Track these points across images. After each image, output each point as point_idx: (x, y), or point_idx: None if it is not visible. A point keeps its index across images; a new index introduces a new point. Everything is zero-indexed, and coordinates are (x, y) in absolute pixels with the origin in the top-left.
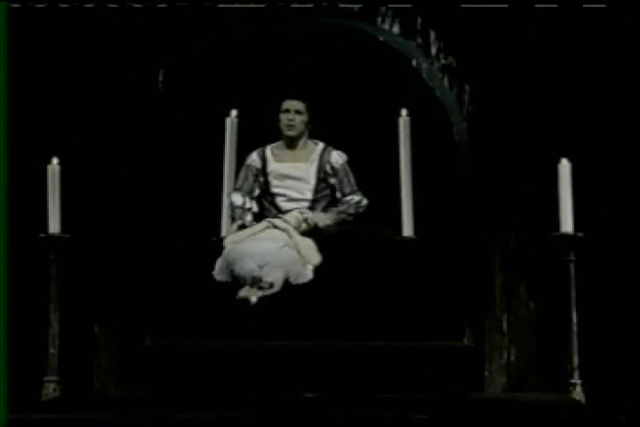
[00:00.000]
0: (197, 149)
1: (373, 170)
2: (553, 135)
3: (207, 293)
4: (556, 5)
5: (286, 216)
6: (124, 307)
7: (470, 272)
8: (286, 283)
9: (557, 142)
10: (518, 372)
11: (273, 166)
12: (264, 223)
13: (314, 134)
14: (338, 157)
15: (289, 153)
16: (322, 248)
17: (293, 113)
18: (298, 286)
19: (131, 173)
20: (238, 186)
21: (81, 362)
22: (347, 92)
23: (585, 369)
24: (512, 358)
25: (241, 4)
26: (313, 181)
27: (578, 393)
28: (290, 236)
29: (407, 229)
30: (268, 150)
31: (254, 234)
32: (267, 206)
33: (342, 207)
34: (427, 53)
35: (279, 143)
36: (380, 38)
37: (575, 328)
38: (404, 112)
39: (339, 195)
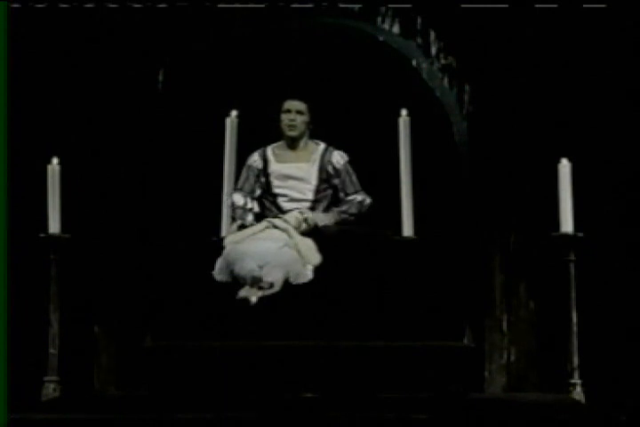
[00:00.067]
0: (197, 149)
1: (373, 170)
2: (553, 135)
3: (207, 293)
4: (555, 5)
5: (286, 216)
6: (124, 307)
7: (470, 272)
8: (286, 283)
9: (557, 142)
10: (518, 372)
11: (274, 167)
12: (264, 223)
13: (314, 134)
14: (339, 158)
15: (290, 153)
16: (322, 248)
17: (295, 113)
18: (298, 285)
19: (131, 173)
20: (239, 186)
21: (81, 362)
22: (347, 93)
23: (585, 369)
24: (512, 358)
25: (241, 4)
26: (314, 182)
27: (578, 393)
28: (290, 236)
29: (407, 229)
30: (270, 151)
31: (254, 234)
32: (268, 207)
33: (344, 207)
34: (427, 53)
35: (280, 143)
36: (380, 38)
37: (575, 328)
38: (404, 112)
39: (342, 195)
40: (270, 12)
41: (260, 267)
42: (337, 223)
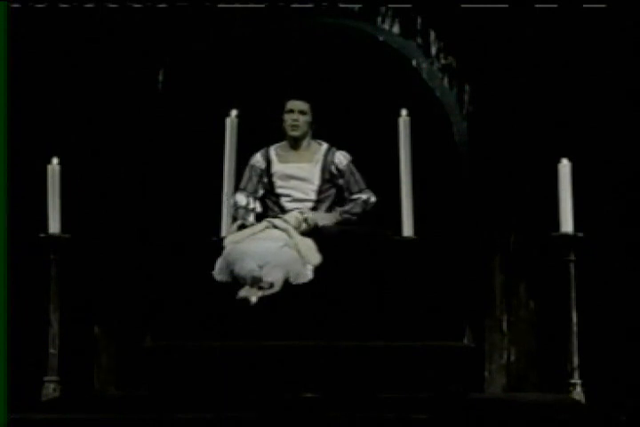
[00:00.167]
0: (197, 149)
1: (373, 170)
2: (553, 135)
3: (207, 293)
4: (555, 5)
5: (286, 216)
6: (124, 307)
7: (470, 272)
8: (286, 283)
9: (557, 142)
10: (518, 372)
11: (277, 167)
12: (264, 223)
13: (315, 134)
14: (342, 158)
15: (293, 154)
16: (322, 248)
17: (297, 113)
18: (298, 286)
19: (131, 173)
20: (242, 186)
21: (81, 362)
22: (347, 93)
23: (585, 369)
24: (512, 358)
25: (241, 4)
26: (317, 182)
27: (578, 393)
28: (290, 236)
29: (407, 229)
30: (272, 151)
31: (254, 234)
32: (271, 207)
33: (347, 207)
34: (427, 53)
35: (283, 144)
36: (380, 38)
37: (575, 328)
38: (404, 112)
39: (346, 194)
40: (270, 12)
41: (260, 267)
42: (338, 223)
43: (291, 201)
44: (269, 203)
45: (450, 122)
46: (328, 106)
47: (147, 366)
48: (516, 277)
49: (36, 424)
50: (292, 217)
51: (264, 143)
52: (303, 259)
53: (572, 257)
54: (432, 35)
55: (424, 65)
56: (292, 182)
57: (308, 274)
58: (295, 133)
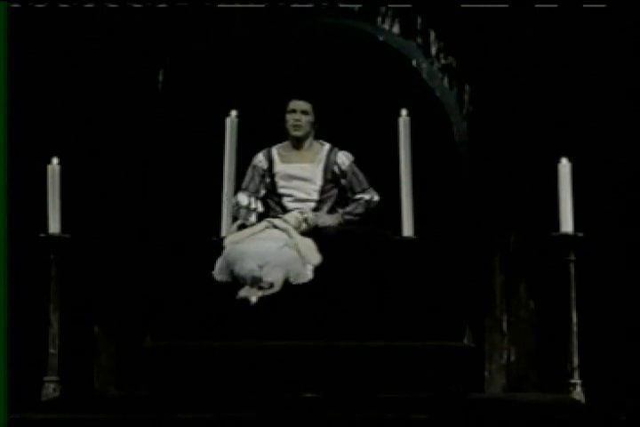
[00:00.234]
0: (197, 149)
1: (373, 170)
2: (553, 135)
3: (207, 293)
4: (555, 5)
5: (286, 216)
6: (124, 307)
7: (470, 272)
8: (286, 283)
9: (557, 142)
10: (518, 372)
11: (279, 167)
12: (264, 223)
13: (316, 134)
14: (344, 158)
15: (295, 154)
16: (322, 248)
17: (299, 113)
18: (298, 285)
19: (131, 173)
20: (244, 186)
21: (81, 362)
22: (347, 93)
23: (585, 369)
24: (512, 358)
25: (241, 4)
26: (319, 182)
27: (578, 393)
28: (290, 236)
29: (407, 229)
30: (275, 151)
31: (254, 234)
32: (273, 207)
33: (350, 208)
34: (427, 53)
35: (285, 144)
36: (380, 38)
37: (575, 328)
38: (404, 112)
39: (349, 194)
40: (270, 12)
41: (260, 267)
42: (340, 224)
43: (293, 201)
44: (271, 203)
45: (450, 122)
46: (328, 106)
47: (147, 366)
48: (516, 277)
49: (35, 424)
50: (291, 217)
51: (264, 143)
52: (303, 259)
53: (572, 257)
54: (432, 35)
55: (424, 65)
56: (295, 182)
57: (307, 274)
58: (298, 133)
